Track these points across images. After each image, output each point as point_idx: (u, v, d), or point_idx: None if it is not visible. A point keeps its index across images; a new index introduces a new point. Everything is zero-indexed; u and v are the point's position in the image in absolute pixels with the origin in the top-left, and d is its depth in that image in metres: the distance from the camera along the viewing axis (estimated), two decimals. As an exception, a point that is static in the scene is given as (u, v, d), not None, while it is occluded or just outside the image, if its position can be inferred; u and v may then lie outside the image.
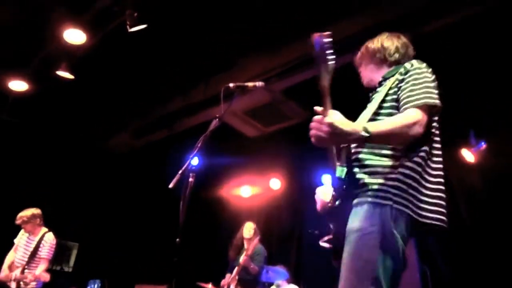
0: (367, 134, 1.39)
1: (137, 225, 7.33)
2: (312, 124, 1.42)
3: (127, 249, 7.26)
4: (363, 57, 1.94)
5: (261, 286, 4.68)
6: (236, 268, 4.64)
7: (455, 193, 4.69)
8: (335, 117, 1.39)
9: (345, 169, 1.61)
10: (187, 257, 6.64)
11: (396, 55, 1.84)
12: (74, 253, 6.65)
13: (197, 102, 5.40)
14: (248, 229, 4.89)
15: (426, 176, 1.56)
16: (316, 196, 1.77)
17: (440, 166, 1.61)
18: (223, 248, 5.55)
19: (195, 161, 2.27)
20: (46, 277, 4.09)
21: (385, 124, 1.48)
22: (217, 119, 2.31)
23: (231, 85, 2.30)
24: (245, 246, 4.84)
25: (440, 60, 3.93)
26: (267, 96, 4.95)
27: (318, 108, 1.43)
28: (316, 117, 1.42)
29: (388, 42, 1.88)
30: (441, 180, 1.60)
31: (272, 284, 4.93)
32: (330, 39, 1.44)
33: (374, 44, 1.90)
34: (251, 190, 7.07)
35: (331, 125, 1.36)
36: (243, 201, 7.04)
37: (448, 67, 4.01)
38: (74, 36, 4.19)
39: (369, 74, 1.92)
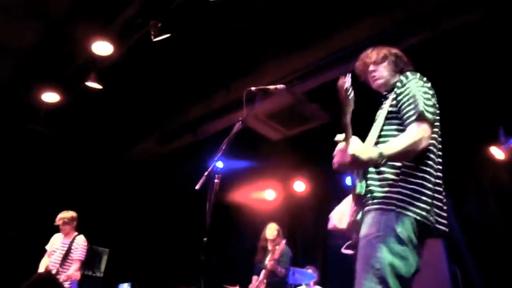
0: (383, 160, 1.53)
1: (165, 229, 7.48)
2: (336, 153, 1.60)
3: (155, 253, 7.41)
4: (385, 59, 1.94)
5: (288, 288, 4.67)
6: (263, 272, 4.63)
7: (485, 191, 4.57)
8: (356, 147, 1.53)
9: (364, 185, 1.73)
10: (213, 259, 6.73)
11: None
12: (104, 258, 6.85)
13: (219, 107, 5.49)
14: (271, 230, 4.85)
15: (429, 183, 1.63)
16: (330, 218, 1.88)
17: (440, 174, 1.70)
18: (247, 251, 5.58)
19: (220, 164, 2.32)
20: (77, 275, 4.31)
21: (397, 146, 1.58)
22: (240, 122, 2.33)
23: (253, 88, 2.33)
24: (269, 247, 4.82)
25: (468, 58, 3.88)
26: (289, 99, 4.96)
27: (339, 137, 1.58)
28: (340, 147, 1.59)
29: (399, 52, 1.97)
30: (441, 186, 1.68)
31: (298, 285, 4.91)
32: (350, 80, 1.52)
33: (393, 51, 1.96)
34: (275, 193, 7.09)
35: (353, 156, 1.50)
36: (267, 204, 7.06)
37: (476, 64, 3.93)
38: (102, 48, 4.37)
39: (388, 77, 1.93)
